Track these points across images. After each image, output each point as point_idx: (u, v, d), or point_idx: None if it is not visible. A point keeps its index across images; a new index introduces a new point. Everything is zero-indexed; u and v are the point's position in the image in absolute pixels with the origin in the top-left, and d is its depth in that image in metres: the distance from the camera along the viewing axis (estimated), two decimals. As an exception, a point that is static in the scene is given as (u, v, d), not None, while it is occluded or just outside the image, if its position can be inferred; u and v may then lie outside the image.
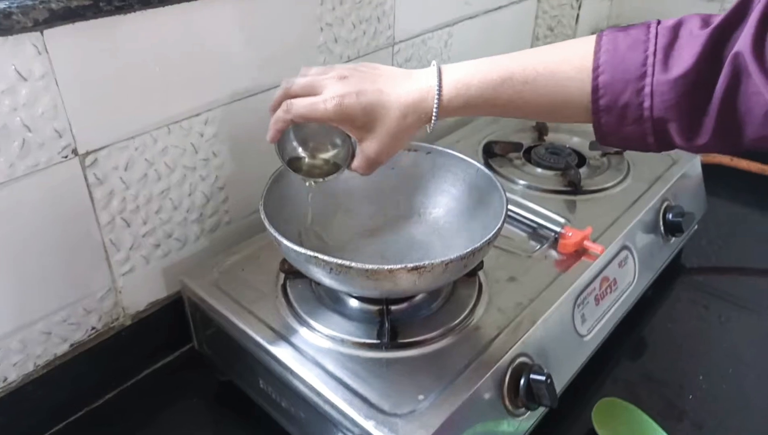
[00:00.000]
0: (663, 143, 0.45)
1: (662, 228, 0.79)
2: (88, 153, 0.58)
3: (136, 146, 0.61)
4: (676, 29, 0.43)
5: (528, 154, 0.88)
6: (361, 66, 0.53)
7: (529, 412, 0.56)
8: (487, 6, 1.04)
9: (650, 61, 0.43)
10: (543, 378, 0.54)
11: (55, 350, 0.62)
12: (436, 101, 0.50)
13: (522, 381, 0.55)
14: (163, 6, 0.58)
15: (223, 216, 0.74)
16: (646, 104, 0.44)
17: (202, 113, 0.66)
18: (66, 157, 0.56)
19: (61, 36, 0.52)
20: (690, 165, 0.87)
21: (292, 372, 0.54)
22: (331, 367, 0.54)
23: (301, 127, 0.56)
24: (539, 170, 0.85)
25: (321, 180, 0.58)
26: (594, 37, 0.47)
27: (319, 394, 0.52)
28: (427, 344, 0.56)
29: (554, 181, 0.82)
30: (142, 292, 0.68)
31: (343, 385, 0.52)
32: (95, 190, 0.60)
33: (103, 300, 0.65)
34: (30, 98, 0.52)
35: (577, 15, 1.15)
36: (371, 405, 0.50)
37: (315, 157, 0.58)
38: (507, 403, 0.55)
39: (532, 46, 1.23)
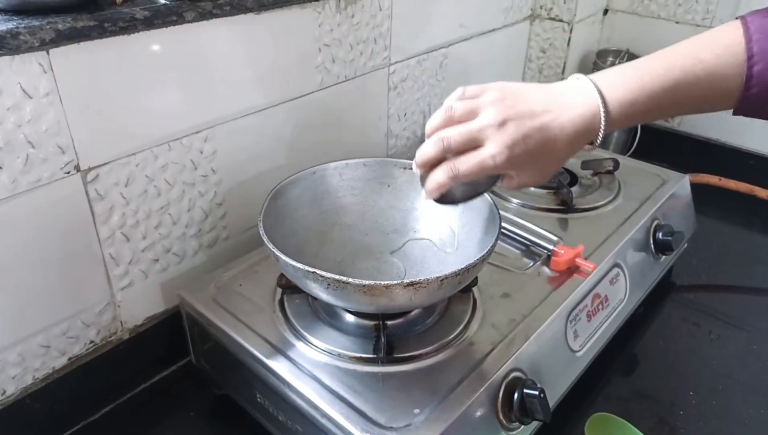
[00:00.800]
0: None
1: (652, 246, 0.81)
2: (90, 169, 0.59)
3: (137, 162, 0.63)
4: None
5: (521, 173, 0.90)
6: (509, 98, 0.48)
7: (522, 426, 0.57)
8: (482, 28, 1.07)
9: None
10: (536, 393, 0.55)
11: (53, 364, 0.63)
12: (602, 127, 0.48)
13: (515, 395, 0.56)
14: (166, 27, 0.60)
15: (221, 231, 0.75)
16: None
17: (202, 130, 0.68)
18: (68, 172, 0.57)
19: (66, 55, 0.54)
20: (679, 185, 0.89)
21: (289, 386, 0.55)
22: (327, 381, 0.54)
23: None
24: (532, 189, 0.86)
25: (462, 203, 0.55)
26: (737, 24, 0.46)
27: (316, 407, 0.52)
28: (422, 359, 0.57)
29: (547, 200, 0.84)
30: (140, 307, 0.69)
31: (340, 398, 0.53)
32: (96, 206, 0.61)
33: (102, 314, 0.65)
34: (34, 115, 0.53)
35: (569, 38, 1.18)
36: (367, 419, 0.51)
37: None
38: (501, 417, 0.56)
39: (525, 68, 1.26)
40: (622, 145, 1.25)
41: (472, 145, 0.47)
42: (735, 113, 0.49)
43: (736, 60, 0.46)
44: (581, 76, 0.50)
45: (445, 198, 0.52)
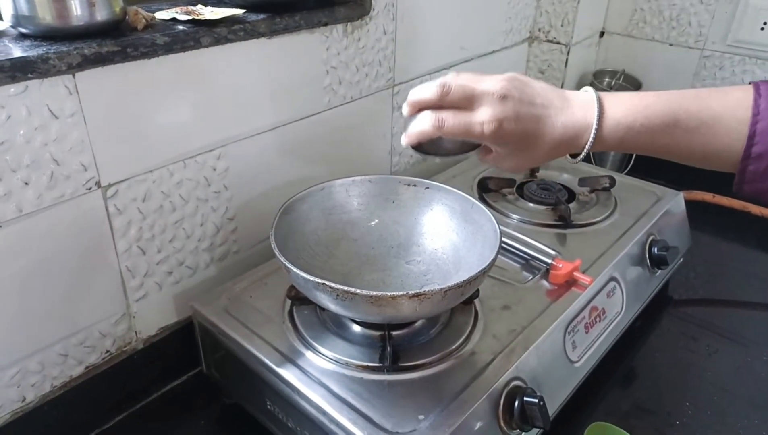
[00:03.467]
0: None
1: (648, 261, 0.84)
2: (110, 185, 0.62)
3: (153, 179, 0.66)
4: None
5: (521, 190, 0.93)
6: (516, 81, 0.49)
7: (523, 433, 0.59)
8: (482, 50, 1.10)
9: None
10: (536, 401, 0.57)
11: (71, 372, 0.65)
12: (591, 141, 0.48)
13: (516, 403, 0.58)
14: (184, 51, 0.63)
15: (231, 245, 0.78)
16: None
17: (216, 149, 0.71)
18: (90, 189, 0.60)
19: (90, 78, 0.57)
20: (674, 201, 0.92)
21: (298, 393, 0.57)
22: (336, 388, 0.57)
23: None
24: (531, 205, 0.89)
25: (445, 158, 0.54)
26: (749, 87, 0.47)
27: (324, 413, 0.55)
28: (426, 368, 0.60)
29: (545, 216, 0.87)
30: (154, 317, 0.72)
31: (348, 405, 0.55)
32: (115, 220, 0.64)
33: (118, 324, 0.68)
34: (60, 134, 0.57)
35: (566, 59, 1.22)
36: (375, 424, 0.53)
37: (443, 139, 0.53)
38: (502, 424, 0.58)
39: (524, 88, 1.29)
40: (619, 163, 1.28)
41: (468, 103, 0.48)
42: (736, 187, 0.47)
43: (743, 115, 0.45)
44: (591, 89, 0.50)
45: (420, 147, 0.53)
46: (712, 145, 0.47)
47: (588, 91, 0.50)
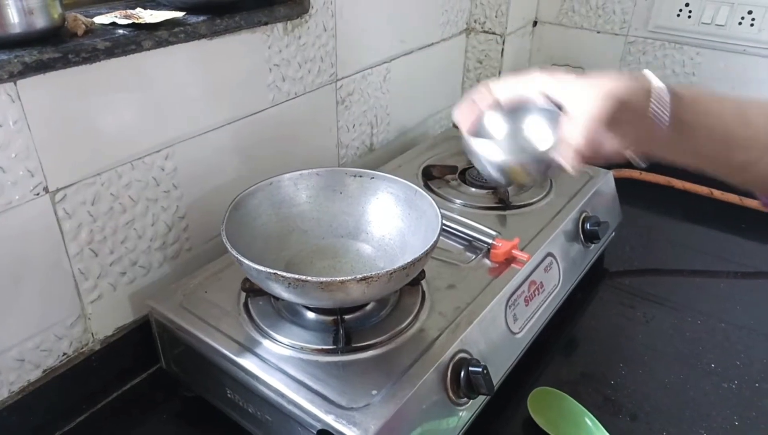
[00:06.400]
0: None
1: (582, 236, 0.90)
2: (58, 190, 0.63)
3: (102, 182, 0.67)
4: None
5: (463, 176, 0.98)
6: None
7: (470, 401, 0.64)
8: (421, 43, 1.14)
9: None
10: (480, 369, 0.62)
11: (28, 376, 0.66)
12: (665, 89, 0.43)
13: (462, 373, 0.62)
14: (126, 55, 0.64)
15: (184, 243, 0.79)
16: None
17: (163, 149, 0.72)
18: (38, 194, 0.61)
19: (33, 85, 0.57)
20: (605, 180, 0.99)
21: (257, 379, 0.60)
22: (293, 372, 0.60)
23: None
24: (473, 190, 0.94)
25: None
26: None
27: (283, 395, 0.58)
28: (377, 347, 0.63)
29: (486, 199, 0.92)
30: (109, 318, 0.73)
31: (305, 386, 0.58)
32: (65, 224, 0.64)
33: (73, 326, 0.69)
34: (4, 142, 0.57)
35: (502, 49, 1.27)
36: (330, 402, 0.56)
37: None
38: (450, 393, 0.62)
39: (463, 78, 1.34)
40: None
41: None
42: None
43: None
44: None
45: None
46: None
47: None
